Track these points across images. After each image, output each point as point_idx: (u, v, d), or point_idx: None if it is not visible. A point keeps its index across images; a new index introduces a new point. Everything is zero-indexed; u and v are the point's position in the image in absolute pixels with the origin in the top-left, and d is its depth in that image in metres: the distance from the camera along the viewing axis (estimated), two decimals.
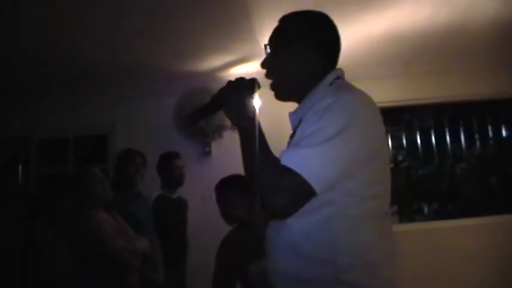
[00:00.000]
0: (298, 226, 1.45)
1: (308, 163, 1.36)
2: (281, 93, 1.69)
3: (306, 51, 1.63)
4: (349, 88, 1.56)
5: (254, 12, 3.84)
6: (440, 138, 6.17)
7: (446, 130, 6.14)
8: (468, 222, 5.65)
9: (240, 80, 1.60)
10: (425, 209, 7.03)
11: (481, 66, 5.50)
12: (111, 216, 3.37)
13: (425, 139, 6.21)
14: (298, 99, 1.66)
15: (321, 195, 1.38)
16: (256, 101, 1.63)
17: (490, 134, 6.19)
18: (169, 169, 4.42)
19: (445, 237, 5.39)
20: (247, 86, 1.59)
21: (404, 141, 6.50)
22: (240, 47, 4.55)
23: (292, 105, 1.72)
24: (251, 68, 4.95)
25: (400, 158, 7.17)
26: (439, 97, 5.81)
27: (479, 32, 4.50)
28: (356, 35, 4.41)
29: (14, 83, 5.29)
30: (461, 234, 5.43)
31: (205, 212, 4.91)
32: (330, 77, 1.61)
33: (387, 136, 6.38)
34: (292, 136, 1.65)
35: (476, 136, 6.22)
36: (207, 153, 5.56)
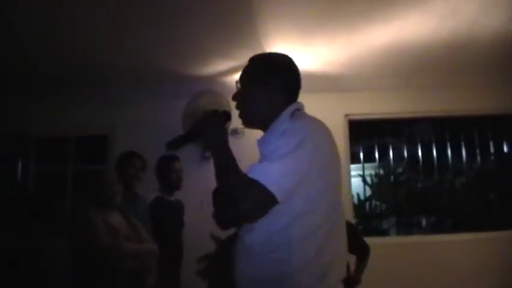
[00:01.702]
0: (258, 230, 1.68)
1: (269, 174, 1.59)
2: (247, 122, 1.97)
3: (269, 91, 1.89)
4: (304, 117, 1.85)
5: (259, 18, 3.85)
6: (441, 152, 6.17)
7: (448, 144, 6.13)
8: (466, 237, 5.62)
9: (215, 113, 1.90)
10: (424, 222, 7.02)
11: (483, 81, 5.49)
12: (124, 218, 3.40)
13: (426, 152, 6.20)
14: (263, 128, 1.92)
15: (281, 204, 1.59)
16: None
17: (492, 149, 6.18)
18: (168, 172, 4.41)
19: (442, 252, 5.36)
20: (221, 117, 1.90)
21: (405, 154, 6.50)
22: (245, 52, 4.53)
23: None
24: None
25: (400, 170, 7.17)
26: (441, 111, 5.79)
27: (483, 46, 4.51)
28: (359, 45, 4.42)
29: (16, 82, 5.30)
30: (458, 249, 5.40)
31: (202, 217, 4.90)
32: (290, 109, 1.87)
33: (389, 148, 6.40)
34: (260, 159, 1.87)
35: (477, 151, 6.21)
36: (206, 158, 5.55)
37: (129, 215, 3.48)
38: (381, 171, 7.85)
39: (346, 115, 5.65)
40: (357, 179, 6.99)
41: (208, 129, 1.84)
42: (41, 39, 4.23)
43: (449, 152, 6.15)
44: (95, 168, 5.50)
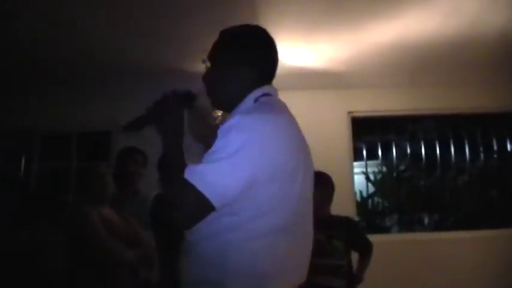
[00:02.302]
0: (193, 231, 1.54)
1: (206, 179, 1.43)
2: (215, 104, 1.80)
3: (236, 68, 1.69)
4: (265, 107, 1.62)
5: (262, 15, 3.85)
6: (444, 150, 6.16)
7: (451, 142, 6.13)
8: (468, 234, 5.62)
9: (172, 96, 1.69)
10: (426, 220, 7.02)
11: (487, 79, 5.47)
12: (116, 214, 3.39)
13: (429, 150, 6.19)
14: (230, 111, 1.72)
15: (221, 207, 1.45)
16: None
17: (494, 147, 6.17)
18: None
19: (444, 249, 5.35)
20: (181, 100, 1.70)
21: (408, 151, 6.50)
22: None
23: None
24: None
25: (402, 167, 7.17)
26: (444, 108, 5.78)
27: (486, 44, 4.49)
28: (362, 43, 4.41)
29: (19, 79, 5.31)
30: (460, 247, 5.40)
31: None
32: (256, 93, 1.67)
33: (392, 145, 6.40)
34: None
35: (480, 149, 6.20)
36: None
37: (121, 210, 3.46)
38: (384, 169, 7.85)
39: (349, 112, 5.64)
40: (359, 176, 6.99)
41: (160, 114, 1.67)
42: (43, 36, 4.24)
43: (452, 149, 6.15)
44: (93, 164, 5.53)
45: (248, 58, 1.70)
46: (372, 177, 7.92)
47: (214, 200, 1.42)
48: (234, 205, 1.47)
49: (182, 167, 1.51)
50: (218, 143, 1.49)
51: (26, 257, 3.71)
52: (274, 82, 1.79)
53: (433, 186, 6.61)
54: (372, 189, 7.94)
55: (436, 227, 6.57)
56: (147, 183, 4.24)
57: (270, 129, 1.52)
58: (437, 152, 6.18)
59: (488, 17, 3.97)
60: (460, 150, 6.18)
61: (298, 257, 1.63)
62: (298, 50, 4.50)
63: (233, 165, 1.44)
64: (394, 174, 7.72)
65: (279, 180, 1.51)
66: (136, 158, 4.04)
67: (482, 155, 6.22)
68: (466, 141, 6.15)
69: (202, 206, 1.43)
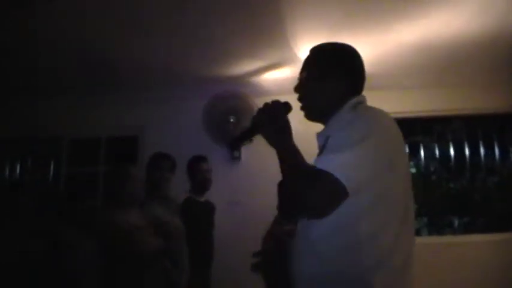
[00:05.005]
0: (319, 227, 1.58)
1: (337, 165, 1.47)
2: (310, 115, 1.88)
3: (333, 81, 1.81)
4: (369, 109, 1.73)
5: (287, 18, 3.85)
6: (473, 151, 6.07)
7: (480, 142, 6.03)
8: (498, 237, 5.53)
9: (275, 103, 1.75)
10: (456, 222, 6.92)
11: None
12: (141, 217, 3.40)
13: (458, 151, 6.11)
14: (325, 120, 1.84)
15: (348, 198, 1.48)
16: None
17: None
18: (196, 172, 4.45)
19: (474, 252, 5.29)
20: (282, 108, 1.74)
21: (436, 153, 6.41)
22: (273, 52, 4.55)
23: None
24: (283, 74, 4.95)
25: (431, 169, 7.07)
26: (472, 109, 5.71)
27: None
28: (388, 43, 4.38)
29: (47, 84, 5.39)
30: (491, 249, 5.32)
31: (232, 217, 4.93)
32: (353, 101, 1.77)
33: (419, 147, 6.33)
34: (319, 155, 1.77)
35: (510, 149, 6.09)
36: (236, 158, 5.56)
37: (147, 214, 3.49)
38: (414, 170, 7.75)
39: None
40: None
41: (269, 121, 1.70)
42: (69, 41, 4.30)
43: (481, 150, 6.05)
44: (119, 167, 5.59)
45: (346, 70, 1.84)
46: None
47: (349, 186, 1.46)
48: (361, 193, 1.50)
49: (306, 163, 1.61)
50: (341, 136, 1.58)
51: (54, 261, 3.76)
52: None
53: (462, 188, 6.50)
54: None
55: (466, 229, 6.46)
56: (177, 187, 4.28)
57: (385, 123, 1.65)
58: (467, 153, 6.08)
59: None
60: (489, 151, 6.08)
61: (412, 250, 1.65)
62: None
63: (360, 154, 1.50)
64: (423, 176, 7.64)
65: (396, 171, 1.59)
66: (163, 163, 4.07)
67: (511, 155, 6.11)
68: (495, 142, 6.05)
69: (338, 191, 1.46)
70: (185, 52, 4.59)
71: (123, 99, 5.67)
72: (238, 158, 5.58)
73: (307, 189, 1.49)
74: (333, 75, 1.82)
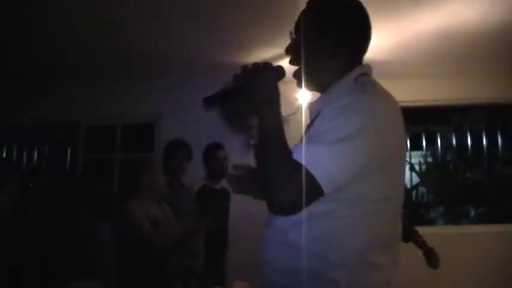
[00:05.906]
0: (296, 217, 1.36)
1: (320, 162, 1.29)
2: (304, 82, 1.56)
3: (335, 41, 1.50)
4: (372, 87, 1.48)
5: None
6: (491, 141, 6.01)
7: (498, 132, 5.97)
8: None
9: (267, 68, 1.45)
10: (472, 213, 6.88)
11: None
12: (159, 207, 3.37)
13: (476, 141, 6.05)
14: (321, 90, 1.56)
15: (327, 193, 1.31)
16: (305, 95, 1.56)
17: None
18: (212, 160, 4.44)
19: (490, 242, 5.25)
20: (273, 71, 1.45)
21: (453, 142, 6.37)
22: (289, 40, 4.53)
23: None
24: None
25: (448, 158, 7.03)
26: (490, 98, 5.64)
27: None
28: (407, 32, 4.33)
29: (65, 72, 5.43)
30: (507, 240, 5.28)
31: (247, 204, 4.92)
32: (356, 72, 1.50)
33: (437, 136, 6.28)
34: (309, 126, 1.55)
35: None
36: (252, 146, 5.56)
37: (164, 205, 3.42)
38: (430, 159, 7.70)
39: None
40: None
41: (256, 84, 1.41)
42: (89, 29, 4.31)
43: (499, 140, 5.99)
44: (141, 157, 5.60)
45: (352, 30, 1.52)
46: (417, 167, 7.79)
47: (326, 186, 1.28)
48: (342, 191, 1.32)
49: (286, 145, 1.37)
50: (330, 123, 1.33)
51: (69, 244, 3.80)
52: None
53: (479, 178, 6.46)
54: (415, 180, 7.82)
55: (482, 219, 6.42)
56: (194, 174, 4.28)
57: (386, 113, 1.40)
58: (484, 142, 6.03)
59: None
60: (507, 141, 6.02)
61: (397, 255, 1.49)
62: None
63: (348, 151, 1.29)
64: (440, 166, 7.59)
65: (388, 170, 1.39)
66: (180, 152, 4.08)
67: None
68: None
69: (313, 191, 1.28)
70: (203, 40, 4.58)
71: (139, 86, 5.68)
72: (254, 145, 5.58)
73: (278, 182, 1.30)
74: (336, 35, 1.50)
